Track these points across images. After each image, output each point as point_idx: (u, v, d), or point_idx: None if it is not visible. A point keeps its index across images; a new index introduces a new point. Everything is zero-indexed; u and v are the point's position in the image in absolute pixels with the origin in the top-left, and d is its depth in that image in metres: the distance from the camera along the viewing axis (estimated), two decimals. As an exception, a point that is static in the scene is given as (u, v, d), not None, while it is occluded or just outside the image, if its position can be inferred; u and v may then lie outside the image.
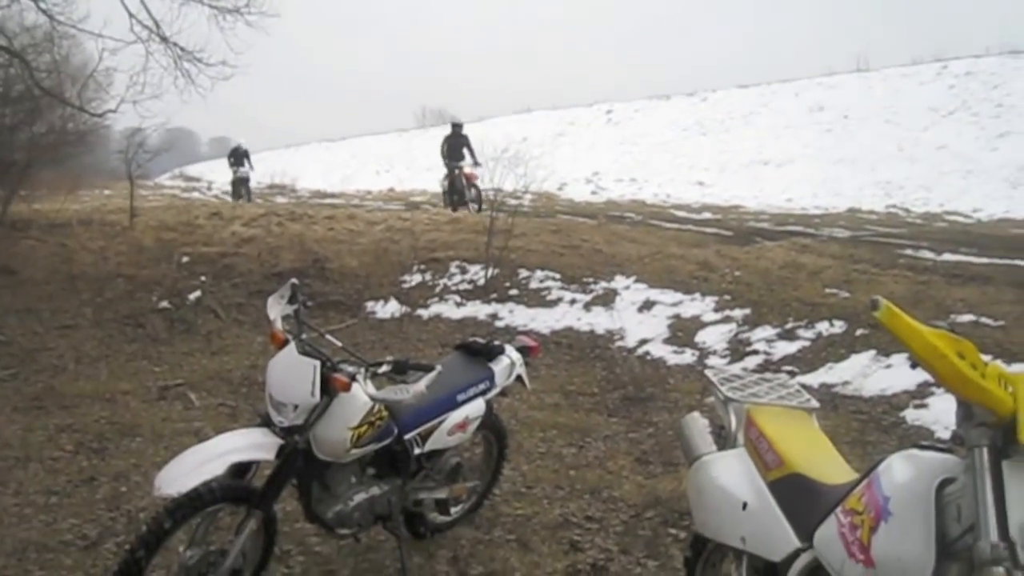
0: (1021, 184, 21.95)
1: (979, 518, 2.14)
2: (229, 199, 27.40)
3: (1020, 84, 28.21)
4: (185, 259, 12.57)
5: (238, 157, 28.14)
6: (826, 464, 3.05)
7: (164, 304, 11.42)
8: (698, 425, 3.59)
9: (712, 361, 9.28)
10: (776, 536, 2.91)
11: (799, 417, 3.37)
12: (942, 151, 25.87)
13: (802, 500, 2.88)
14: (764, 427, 3.22)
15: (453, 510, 5.41)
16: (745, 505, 3.09)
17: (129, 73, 14.88)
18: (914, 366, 2.30)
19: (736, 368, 8.71)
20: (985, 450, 2.20)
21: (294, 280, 4.50)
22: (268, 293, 11.39)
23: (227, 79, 15.49)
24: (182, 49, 15.08)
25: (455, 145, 22.00)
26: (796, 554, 2.81)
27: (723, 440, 3.49)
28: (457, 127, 22.64)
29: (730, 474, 3.25)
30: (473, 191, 21.11)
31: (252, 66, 16.20)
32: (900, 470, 2.44)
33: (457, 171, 21.70)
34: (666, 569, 5.00)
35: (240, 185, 27.72)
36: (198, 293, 11.73)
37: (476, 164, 20.79)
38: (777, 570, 2.94)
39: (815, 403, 3.49)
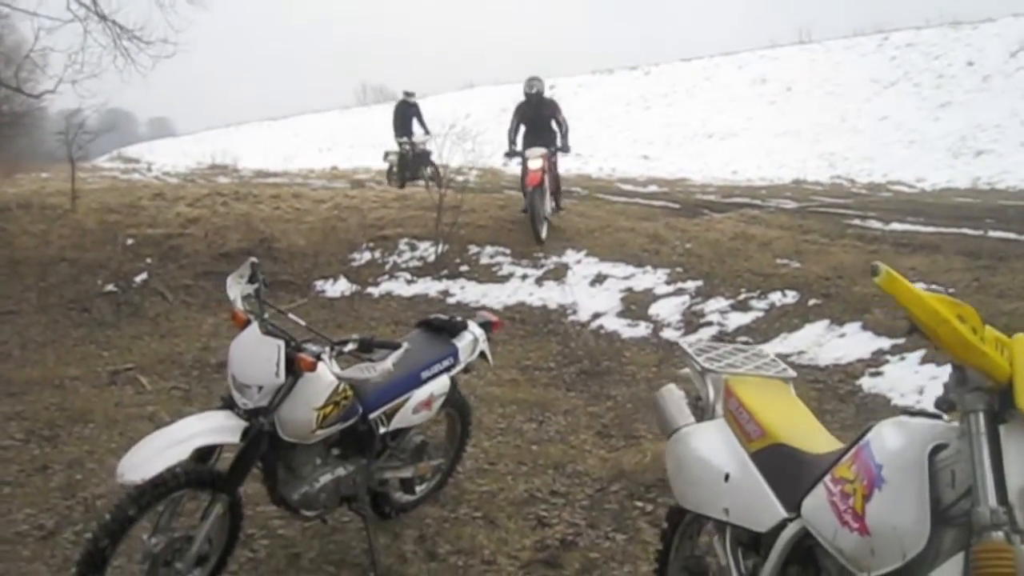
0: (963, 154, 22.24)
1: (977, 483, 2.13)
2: (385, 183, 21.11)
3: (961, 55, 28.55)
4: (130, 241, 12.31)
5: (405, 119, 20.77)
6: (808, 433, 3.04)
7: (110, 287, 11.18)
8: (674, 397, 3.57)
9: (666, 334, 9.31)
10: (761, 507, 2.89)
11: (777, 387, 3.36)
12: (885, 122, 26.15)
13: (787, 470, 2.86)
14: (743, 397, 3.20)
15: (418, 489, 5.37)
16: (728, 476, 3.06)
17: (67, 53, 14.61)
18: (911, 332, 2.28)
19: (694, 338, 8.75)
20: (981, 415, 2.18)
21: (253, 259, 4.39)
22: (216, 274, 11.47)
23: (169, 57, 15.28)
24: (121, 27, 14.88)
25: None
26: (783, 524, 2.79)
27: (700, 411, 3.46)
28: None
29: (710, 445, 3.22)
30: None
31: (192, 44, 15.99)
32: (891, 437, 2.43)
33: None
34: (635, 542, 5.00)
35: (413, 162, 20.24)
36: (144, 275, 11.51)
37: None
38: (762, 541, 2.93)
39: (792, 372, 3.48)
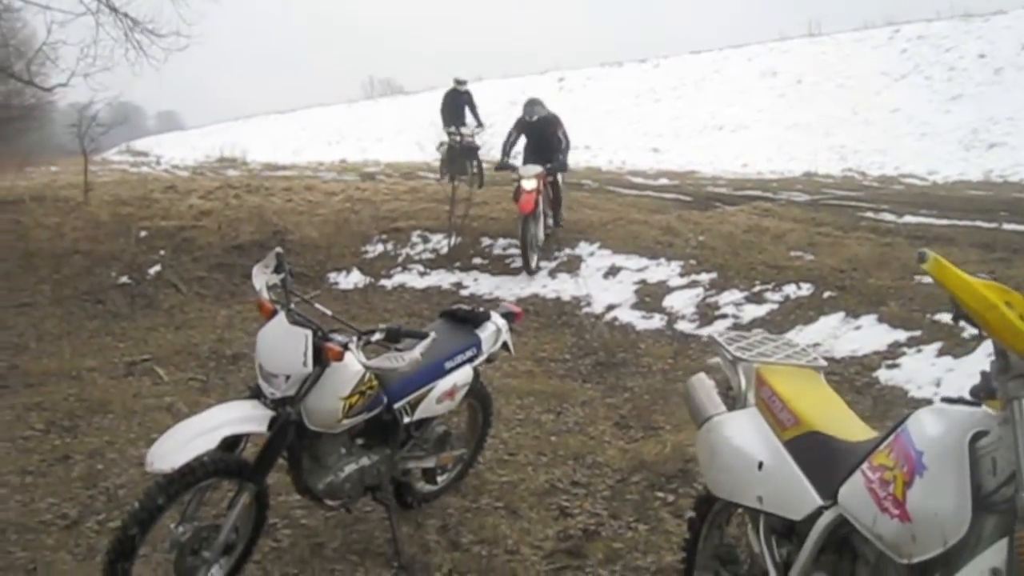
0: (975, 146, 22.18)
1: (1021, 470, 2.13)
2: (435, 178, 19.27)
3: (972, 47, 28.46)
4: (143, 233, 12.34)
5: (454, 108, 18.65)
6: (842, 421, 3.03)
7: (124, 279, 11.21)
8: (705, 386, 3.56)
9: (681, 326, 9.31)
10: (796, 495, 2.88)
11: (809, 375, 3.35)
12: (896, 114, 26.08)
13: (822, 458, 2.86)
14: (776, 386, 3.19)
15: (439, 479, 5.38)
16: (761, 464, 3.06)
17: (79, 46, 14.61)
18: (956, 318, 2.27)
19: (709, 330, 8.74)
20: None
21: (279, 249, 4.39)
22: (229, 266, 11.48)
23: (181, 50, 15.26)
24: (133, 20, 14.85)
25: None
26: (818, 512, 2.78)
27: (731, 400, 3.46)
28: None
29: (743, 434, 3.22)
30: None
31: (201, 37, 15.98)
32: (931, 424, 2.42)
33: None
34: (657, 532, 5.00)
35: (459, 156, 17.64)
36: (158, 267, 11.53)
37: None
38: (796, 528, 2.93)
39: (823, 361, 3.48)
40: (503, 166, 12.50)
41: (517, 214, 11.52)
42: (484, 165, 17.44)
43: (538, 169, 11.62)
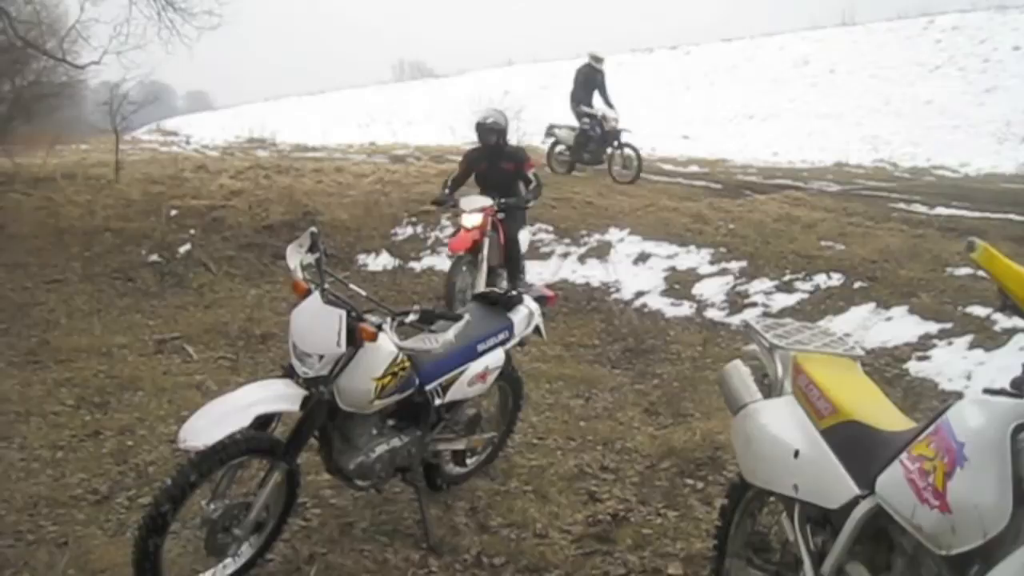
0: (1008, 139, 21.92)
1: None
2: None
3: (1007, 39, 28.13)
4: (174, 212, 12.38)
5: (590, 86, 16.99)
6: (880, 411, 3.01)
7: (154, 257, 11.26)
8: (741, 373, 3.54)
9: (710, 314, 9.28)
10: (832, 483, 2.86)
11: (846, 364, 3.32)
12: (929, 106, 25.82)
13: (860, 447, 2.83)
14: (813, 374, 3.17)
15: (469, 461, 5.40)
16: (797, 453, 3.04)
17: (112, 24, 14.67)
18: (1003, 308, 2.25)
19: (739, 319, 8.71)
20: None
21: (313, 228, 4.42)
22: (259, 246, 11.53)
23: (213, 29, 15.30)
24: (166, -1, 14.87)
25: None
26: (855, 501, 2.76)
27: (767, 388, 3.44)
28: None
29: (780, 422, 3.20)
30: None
31: (234, 16, 16.02)
32: (973, 416, 2.40)
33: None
34: (687, 519, 4.99)
35: (595, 143, 16.41)
36: (188, 246, 11.58)
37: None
38: (832, 517, 2.91)
39: (860, 351, 3.44)
40: (440, 201, 9.46)
41: (450, 254, 9.60)
42: (641, 152, 16.12)
43: (485, 202, 8.95)
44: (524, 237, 9.67)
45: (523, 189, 9.35)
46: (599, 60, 17.02)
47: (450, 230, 11.91)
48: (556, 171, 16.75)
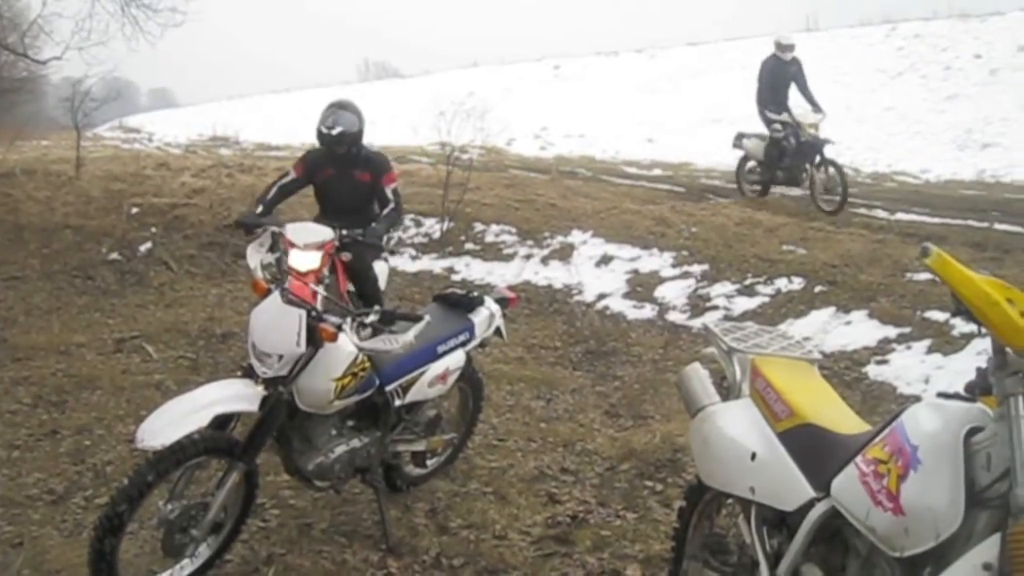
0: (968, 146, 22.10)
1: (1016, 466, 2.15)
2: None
3: (968, 47, 28.40)
4: (135, 210, 12.27)
5: (781, 83, 13.62)
6: (836, 414, 3.04)
7: (114, 256, 11.15)
8: (700, 375, 3.56)
9: (672, 316, 9.33)
10: (788, 486, 2.89)
11: (803, 368, 3.35)
12: (890, 112, 26.01)
13: (815, 450, 2.86)
14: (771, 377, 3.19)
15: (429, 462, 5.40)
16: (754, 455, 3.06)
17: (75, 19, 14.54)
18: (956, 314, 2.28)
19: (699, 322, 8.76)
20: (1021, 398, 2.19)
21: (275, 228, 4.39)
22: (220, 245, 11.43)
23: (177, 26, 15.20)
24: (130, -6, 14.76)
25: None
26: (811, 504, 2.79)
27: (726, 391, 3.46)
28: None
29: (737, 424, 3.22)
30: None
31: (199, 14, 15.93)
32: (926, 419, 2.43)
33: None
34: (646, 521, 5.01)
35: (793, 156, 13.00)
36: (149, 245, 11.47)
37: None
38: (788, 520, 2.94)
39: (817, 355, 3.48)
40: (245, 223, 6.03)
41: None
42: (846, 170, 13.11)
43: (324, 236, 5.71)
44: (382, 269, 6.85)
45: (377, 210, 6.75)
46: (786, 48, 13.75)
47: (413, 231, 11.88)
48: (747, 194, 13.97)
